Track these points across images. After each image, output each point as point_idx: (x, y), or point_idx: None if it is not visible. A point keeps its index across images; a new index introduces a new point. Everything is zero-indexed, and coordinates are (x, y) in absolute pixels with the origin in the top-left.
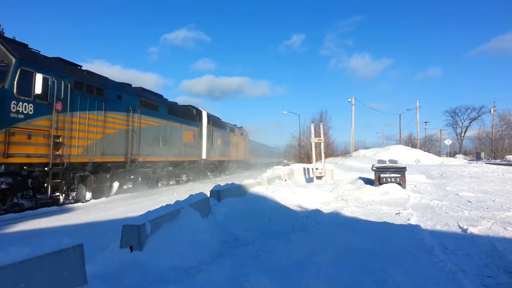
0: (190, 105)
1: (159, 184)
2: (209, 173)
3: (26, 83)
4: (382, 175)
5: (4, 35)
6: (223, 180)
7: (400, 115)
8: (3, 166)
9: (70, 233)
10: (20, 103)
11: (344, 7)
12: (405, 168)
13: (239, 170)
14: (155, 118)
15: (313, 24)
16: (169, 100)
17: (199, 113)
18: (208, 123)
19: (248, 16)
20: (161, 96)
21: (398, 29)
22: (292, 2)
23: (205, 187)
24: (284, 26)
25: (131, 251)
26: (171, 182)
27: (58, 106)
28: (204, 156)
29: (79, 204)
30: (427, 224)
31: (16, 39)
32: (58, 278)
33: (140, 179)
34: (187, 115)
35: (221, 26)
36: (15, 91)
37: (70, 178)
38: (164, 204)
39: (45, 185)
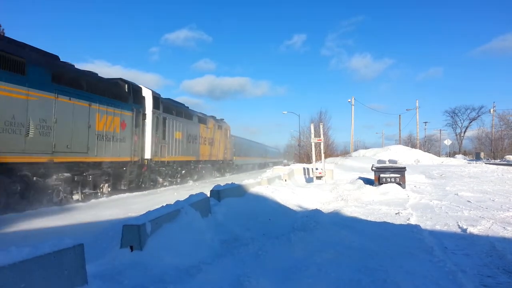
0: (120, 79)
1: (44, 201)
2: (161, 179)
3: None
4: (381, 175)
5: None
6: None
7: (400, 115)
8: None
9: (70, 232)
10: None
11: (346, 7)
12: (404, 168)
13: (216, 174)
14: (15, 85)
15: (315, 24)
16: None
17: (137, 91)
18: (156, 107)
19: (249, 16)
20: (53, 57)
21: (400, 29)
22: (294, 2)
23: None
24: (286, 26)
25: (132, 250)
26: (75, 197)
27: None
28: (148, 155)
29: (80, 204)
30: (426, 224)
31: None
32: (58, 278)
33: None
34: (110, 91)
35: (223, 26)
36: None
37: None
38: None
39: None
